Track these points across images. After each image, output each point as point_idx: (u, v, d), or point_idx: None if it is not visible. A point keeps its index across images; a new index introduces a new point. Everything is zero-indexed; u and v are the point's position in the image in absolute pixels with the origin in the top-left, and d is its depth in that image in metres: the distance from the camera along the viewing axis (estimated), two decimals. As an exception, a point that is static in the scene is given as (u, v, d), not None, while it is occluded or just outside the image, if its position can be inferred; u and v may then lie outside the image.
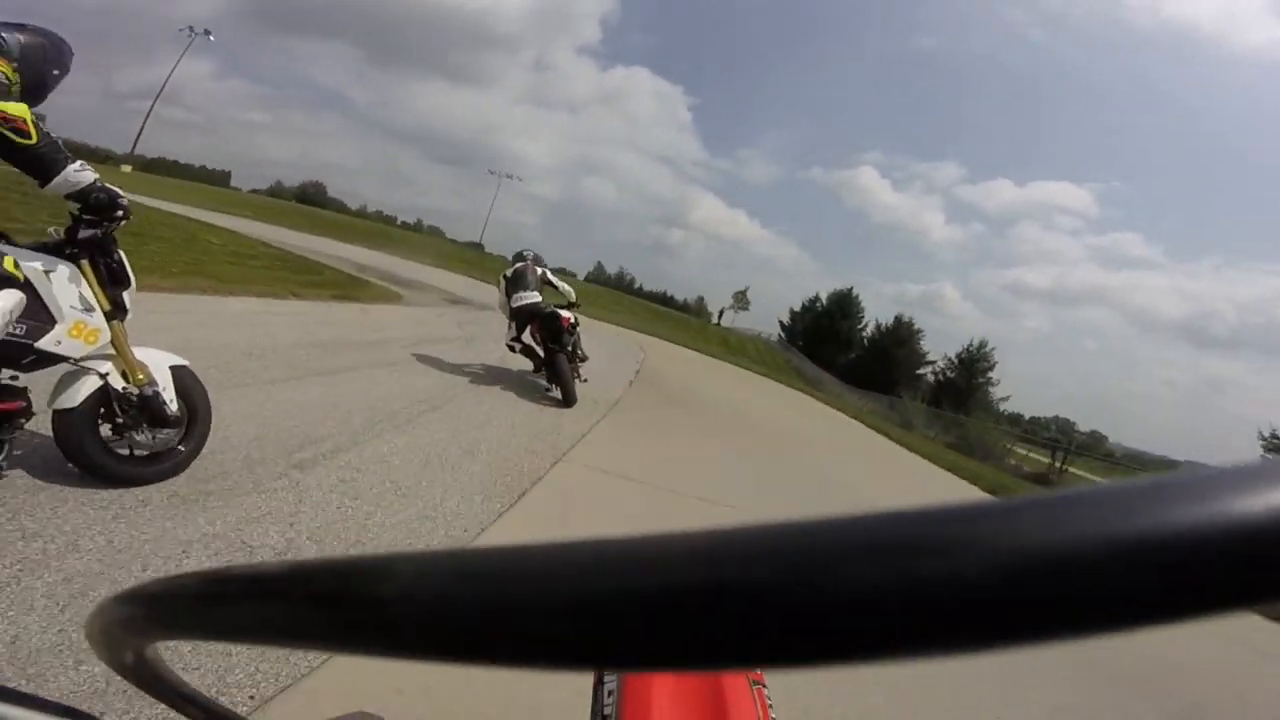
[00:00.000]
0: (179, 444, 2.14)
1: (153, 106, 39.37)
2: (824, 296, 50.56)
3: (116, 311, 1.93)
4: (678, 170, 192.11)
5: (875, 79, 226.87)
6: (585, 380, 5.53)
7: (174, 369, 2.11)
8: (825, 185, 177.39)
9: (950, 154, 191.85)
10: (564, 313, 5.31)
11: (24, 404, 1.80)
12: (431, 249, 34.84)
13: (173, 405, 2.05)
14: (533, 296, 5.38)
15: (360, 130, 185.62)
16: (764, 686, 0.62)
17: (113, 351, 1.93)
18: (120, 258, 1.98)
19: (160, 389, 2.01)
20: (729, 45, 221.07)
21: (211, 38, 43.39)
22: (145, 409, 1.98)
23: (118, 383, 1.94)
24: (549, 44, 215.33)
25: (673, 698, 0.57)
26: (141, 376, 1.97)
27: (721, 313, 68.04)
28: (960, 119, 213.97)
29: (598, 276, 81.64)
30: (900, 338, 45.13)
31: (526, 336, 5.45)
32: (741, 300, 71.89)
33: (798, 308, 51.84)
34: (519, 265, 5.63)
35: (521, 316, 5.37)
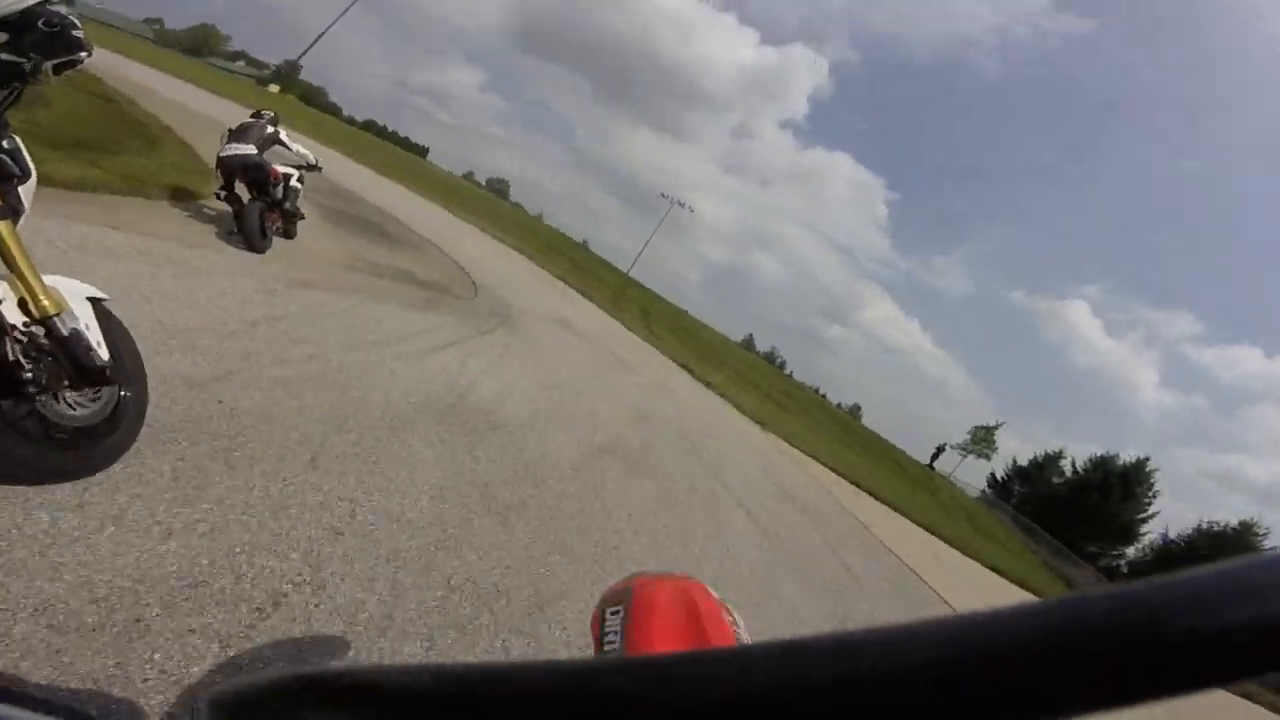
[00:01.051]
0: (120, 401, 1.58)
1: (317, 40, 46.64)
2: (1076, 459, 37.08)
3: (3, 211, 1.26)
4: (854, 263, 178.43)
5: (1118, 201, 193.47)
6: (294, 238, 5.25)
7: (94, 302, 1.53)
8: (1023, 311, 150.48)
9: (1189, 303, 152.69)
10: (279, 167, 4.94)
11: None
12: (530, 230, 28.97)
13: (102, 351, 1.48)
14: (244, 148, 4.74)
15: (569, 156, 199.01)
16: None
17: (1, 267, 1.29)
18: (16, 143, 1.34)
19: (82, 326, 1.42)
20: (948, 142, 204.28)
21: None
22: (65, 354, 1.39)
23: (14, 315, 1.33)
24: (755, 112, 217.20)
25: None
26: (47, 303, 1.36)
27: (937, 453, 43.64)
28: (1215, 265, 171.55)
29: (747, 346, 70.68)
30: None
31: (240, 191, 4.76)
32: (986, 441, 43.99)
33: (1018, 458, 38.19)
34: (246, 120, 5.04)
35: (228, 167, 4.73)
